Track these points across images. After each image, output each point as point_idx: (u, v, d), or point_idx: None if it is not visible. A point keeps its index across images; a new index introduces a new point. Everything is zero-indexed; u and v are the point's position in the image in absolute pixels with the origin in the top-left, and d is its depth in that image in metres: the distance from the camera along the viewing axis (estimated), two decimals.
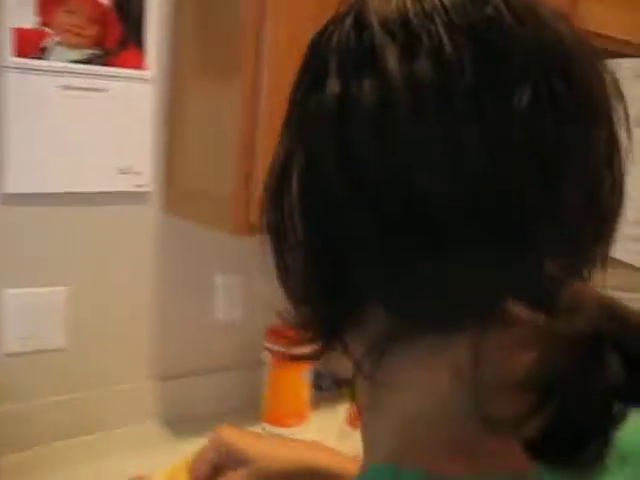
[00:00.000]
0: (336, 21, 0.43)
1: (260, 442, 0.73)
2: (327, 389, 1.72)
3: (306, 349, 0.48)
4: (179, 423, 1.59)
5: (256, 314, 1.71)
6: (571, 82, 0.38)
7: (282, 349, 1.54)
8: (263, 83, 1.25)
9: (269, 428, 1.57)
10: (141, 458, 1.37)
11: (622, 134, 0.42)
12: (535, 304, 0.37)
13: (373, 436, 0.46)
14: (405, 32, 0.38)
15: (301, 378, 1.59)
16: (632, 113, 1.45)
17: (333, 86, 0.40)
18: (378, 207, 0.38)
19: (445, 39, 0.37)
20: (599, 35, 1.95)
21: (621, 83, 0.43)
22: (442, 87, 0.37)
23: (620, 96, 0.42)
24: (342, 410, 1.66)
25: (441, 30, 0.38)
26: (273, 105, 1.26)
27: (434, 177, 0.37)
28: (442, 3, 0.38)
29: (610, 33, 1.98)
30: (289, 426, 1.58)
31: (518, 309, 0.37)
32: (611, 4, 2.00)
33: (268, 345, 1.57)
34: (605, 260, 0.43)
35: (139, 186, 1.50)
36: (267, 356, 1.58)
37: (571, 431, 0.38)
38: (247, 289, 1.70)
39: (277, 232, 0.45)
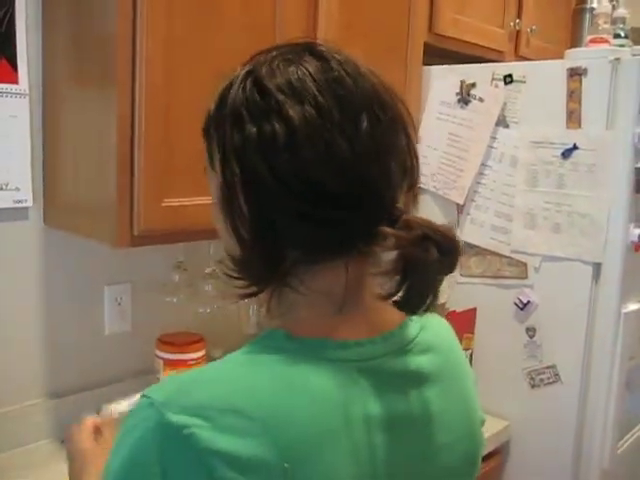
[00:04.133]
0: (236, 82, 0.69)
1: None
2: None
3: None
4: None
5: (145, 324, 1.72)
6: (385, 110, 0.69)
7: (173, 356, 1.57)
8: (139, 94, 1.27)
9: None
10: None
11: (412, 131, 0.72)
12: (393, 226, 0.67)
13: (271, 322, 0.72)
14: (292, 91, 0.65)
15: None
16: (492, 112, 1.59)
17: (250, 128, 0.65)
18: (294, 193, 0.64)
19: (317, 93, 0.65)
20: (462, 41, 2.08)
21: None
22: (322, 123, 0.64)
23: (409, 111, 0.72)
24: None
25: (313, 88, 0.66)
26: (149, 116, 1.28)
27: (322, 171, 0.64)
28: (308, 71, 0.67)
29: (472, 40, 2.11)
30: None
31: (386, 231, 0.66)
32: (472, 14, 2.12)
33: (159, 353, 1.59)
34: (416, 200, 0.73)
35: (18, 202, 1.48)
36: (159, 364, 1.59)
37: (417, 295, 0.68)
38: (135, 300, 1.71)
39: (232, 212, 0.68)
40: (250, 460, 0.59)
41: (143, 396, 0.64)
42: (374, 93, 0.69)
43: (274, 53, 0.71)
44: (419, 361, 0.73)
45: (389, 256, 0.67)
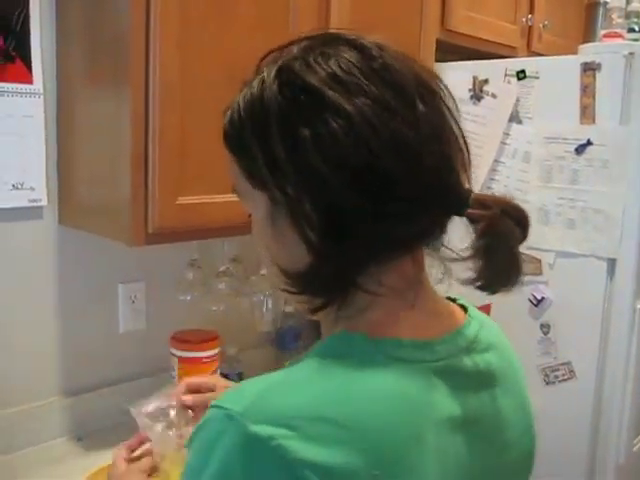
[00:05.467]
0: (268, 83, 0.64)
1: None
2: None
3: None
4: (90, 438, 1.58)
5: (159, 322, 1.73)
6: (431, 91, 0.66)
7: (188, 354, 1.58)
8: (153, 92, 1.27)
9: None
10: (56, 477, 1.36)
11: (455, 111, 0.68)
12: (466, 208, 0.64)
13: (336, 324, 0.68)
14: (341, 85, 0.61)
15: None
16: (505, 108, 1.58)
17: (304, 131, 0.61)
18: (363, 190, 0.60)
19: (368, 83, 0.61)
20: (474, 37, 2.08)
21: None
22: (381, 113, 0.61)
23: (448, 90, 0.68)
24: None
25: (362, 78, 0.62)
26: (164, 115, 1.28)
27: (392, 163, 0.60)
28: (350, 62, 0.63)
29: (484, 36, 2.11)
30: None
31: (469, 213, 0.64)
32: (484, 10, 2.12)
33: (173, 351, 1.59)
34: (470, 182, 0.68)
35: (33, 201, 1.49)
36: (174, 361, 1.60)
37: (502, 273, 0.65)
38: (149, 298, 1.72)
39: (298, 220, 0.63)
40: (340, 469, 0.56)
41: (215, 407, 0.60)
42: (418, 76, 0.65)
43: (295, 50, 0.66)
44: (485, 359, 0.72)
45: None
